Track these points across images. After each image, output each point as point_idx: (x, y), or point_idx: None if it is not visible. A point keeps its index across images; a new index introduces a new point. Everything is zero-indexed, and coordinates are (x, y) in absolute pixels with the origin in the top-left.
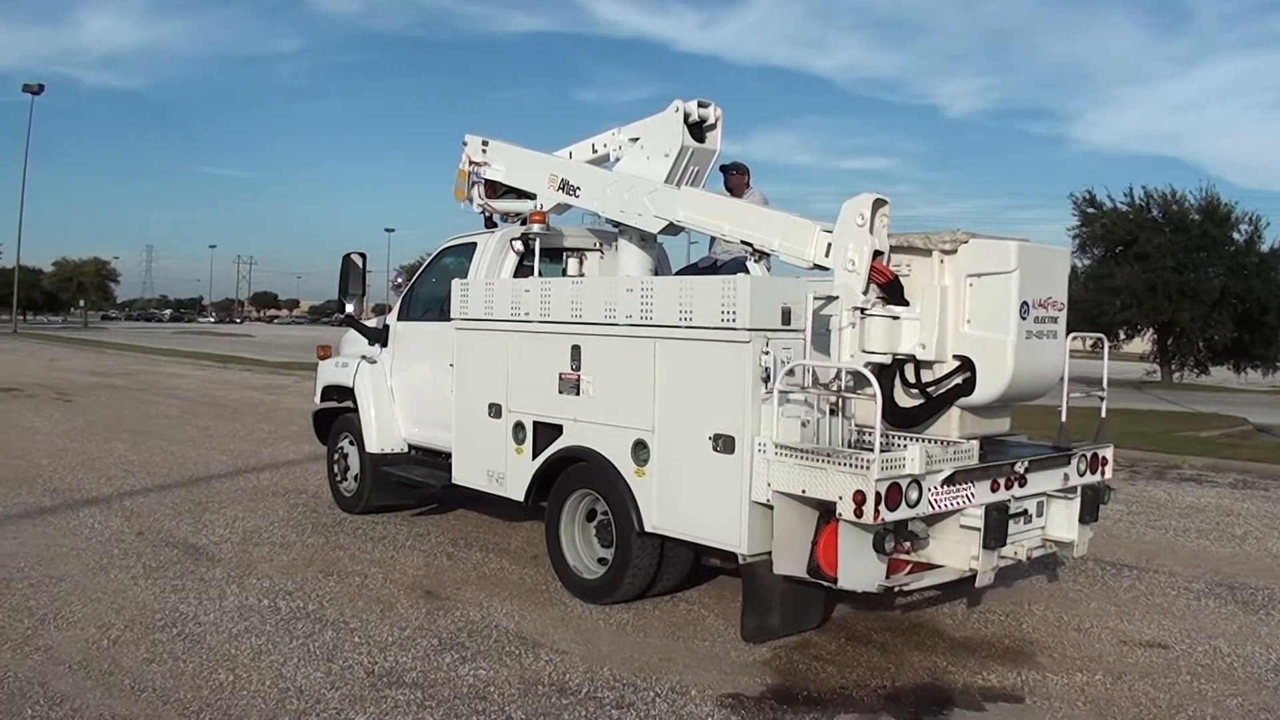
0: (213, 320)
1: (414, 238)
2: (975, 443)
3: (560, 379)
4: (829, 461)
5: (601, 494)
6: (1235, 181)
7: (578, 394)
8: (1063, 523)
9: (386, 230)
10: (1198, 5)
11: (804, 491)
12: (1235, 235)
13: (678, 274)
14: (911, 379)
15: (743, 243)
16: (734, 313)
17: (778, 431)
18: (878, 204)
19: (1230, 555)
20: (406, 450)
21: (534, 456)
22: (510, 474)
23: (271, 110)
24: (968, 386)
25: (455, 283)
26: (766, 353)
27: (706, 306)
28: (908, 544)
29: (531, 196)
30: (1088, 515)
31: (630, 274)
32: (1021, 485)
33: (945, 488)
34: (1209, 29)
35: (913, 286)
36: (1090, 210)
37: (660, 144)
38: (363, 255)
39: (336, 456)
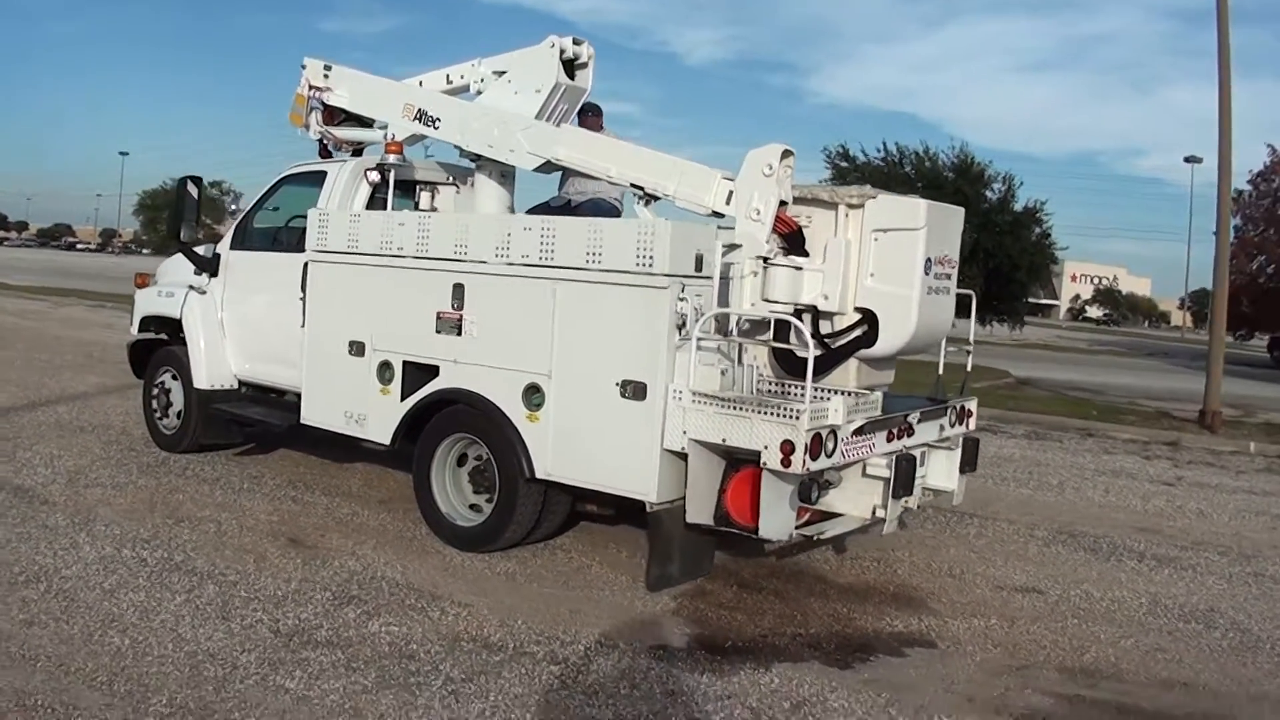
0: None
1: (149, 161)
2: (879, 394)
3: (439, 318)
4: (755, 411)
5: (482, 438)
6: (972, 139)
7: (459, 335)
8: (943, 473)
9: (120, 153)
10: None
11: (724, 440)
12: (988, 194)
13: (528, 213)
14: (810, 330)
15: (633, 186)
16: (650, 257)
17: (695, 379)
18: (785, 154)
19: (1056, 504)
20: (237, 387)
21: (403, 398)
22: (373, 416)
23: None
24: (869, 339)
25: (313, 212)
26: (683, 299)
27: (619, 249)
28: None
29: (371, 125)
30: (967, 465)
31: (488, 211)
32: (910, 436)
33: (854, 438)
34: None
35: (812, 238)
36: (844, 164)
37: (531, 80)
38: (198, 181)
39: (156, 392)
